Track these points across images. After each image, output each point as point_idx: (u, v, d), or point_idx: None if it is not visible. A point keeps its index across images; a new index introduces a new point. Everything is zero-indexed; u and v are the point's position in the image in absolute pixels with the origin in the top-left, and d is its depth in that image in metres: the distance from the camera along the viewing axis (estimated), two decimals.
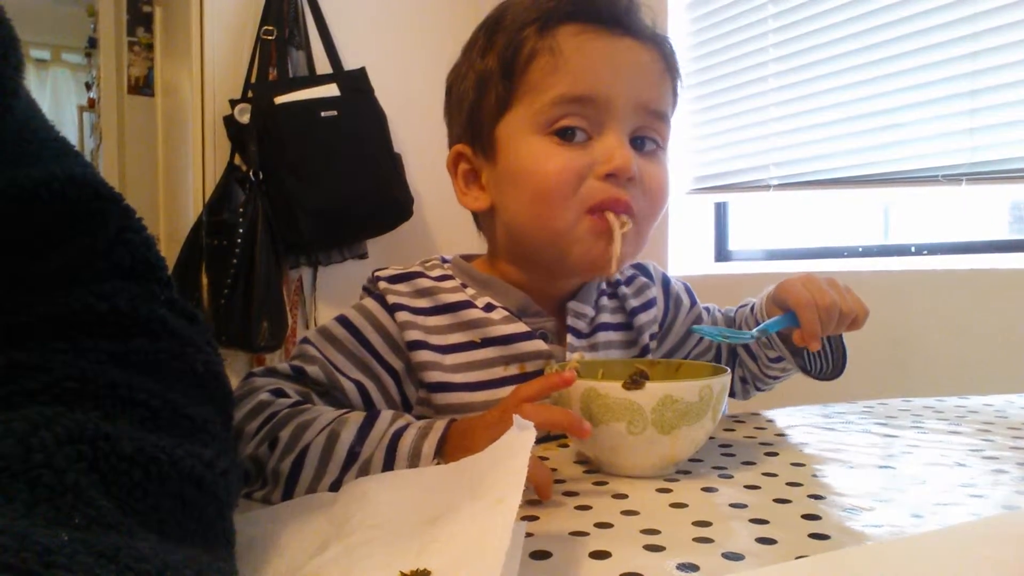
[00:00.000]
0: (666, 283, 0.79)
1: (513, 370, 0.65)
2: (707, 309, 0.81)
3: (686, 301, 0.79)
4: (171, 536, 0.28)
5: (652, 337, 0.75)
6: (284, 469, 0.51)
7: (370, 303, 0.65)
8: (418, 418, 0.62)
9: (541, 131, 0.63)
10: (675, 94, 0.69)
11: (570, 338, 0.68)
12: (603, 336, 0.71)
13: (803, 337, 0.62)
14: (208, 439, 0.34)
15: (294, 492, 0.52)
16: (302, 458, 0.51)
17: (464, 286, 0.69)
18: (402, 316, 0.64)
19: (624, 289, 0.75)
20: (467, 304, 0.66)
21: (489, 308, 0.67)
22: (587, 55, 0.62)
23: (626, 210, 0.62)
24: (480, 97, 0.66)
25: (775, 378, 0.78)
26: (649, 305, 0.75)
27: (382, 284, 0.67)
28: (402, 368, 0.64)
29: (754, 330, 0.63)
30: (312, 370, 0.60)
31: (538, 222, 0.64)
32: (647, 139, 0.65)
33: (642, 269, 0.79)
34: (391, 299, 0.65)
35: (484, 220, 0.73)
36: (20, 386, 0.30)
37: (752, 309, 0.75)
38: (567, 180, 0.61)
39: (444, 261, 0.72)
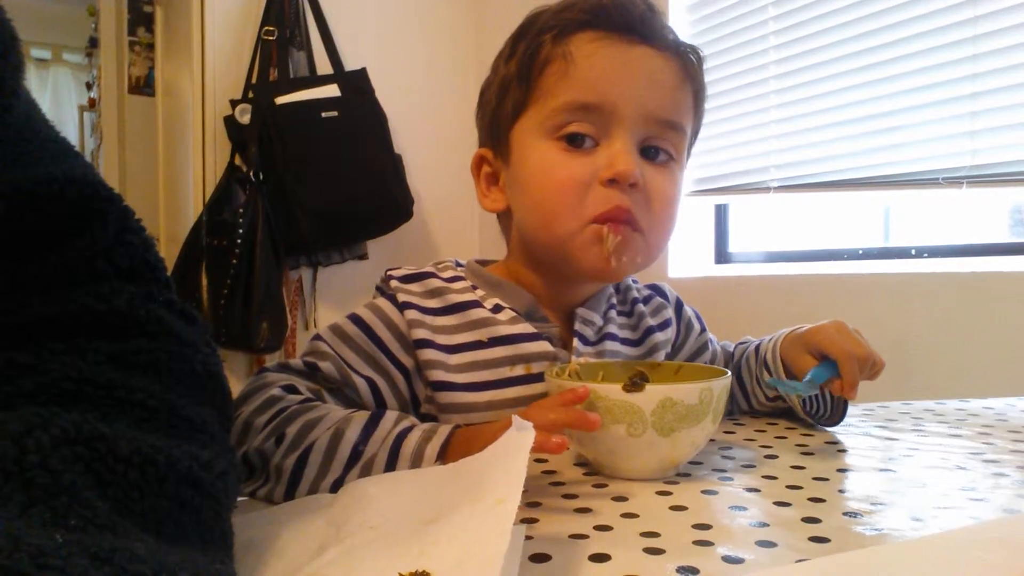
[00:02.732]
0: (679, 307, 0.80)
1: (519, 370, 0.65)
2: (711, 340, 0.82)
3: (696, 327, 0.80)
4: (168, 538, 0.28)
5: (667, 357, 0.75)
6: (288, 465, 0.51)
7: (382, 302, 0.66)
8: (425, 416, 0.62)
9: (550, 136, 0.63)
10: (696, 105, 0.68)
11: (577, 343, 0.68)
12: (610, 345, 0.71)
13: (843, 387, 0.62)
14: (206, 440, 0.34)
15: (296, 489, 0.51)
16: (306, 455, 0.51)
17: (474, 288, 0.69)
18: (411, 314, 0.64)
19: (642, 307, 0.76)
20: (475, 304, 0.67)
21: (497, 309, 0.67)
22: (597, 62, 0.62)
23: (626, 218, 0.62)
24: (500, 102, 0.68)
25: (763, 416, 0.78)
26: (665, 325, 0.76)
27: (394, 283, 0.67)
28: (412, 366, 0.64)
29: (804, 381, 0.62)
30: (325, 366, 0.61)
31: (543, 226, 0.65)
32: (660, 150, 0.65)
33: (658, 291, 0.80)
34: (402, 297, 0.65)
35: (502, 222, 0.74)
36: (17, 386, 0.30)
37: (758, 349, 0.75)
38: (571, 188, 0.62)
39: (458, 265, 0.73)
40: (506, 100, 0.67)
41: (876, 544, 0.37)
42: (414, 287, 0.67)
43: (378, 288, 0.70)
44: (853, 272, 1.55)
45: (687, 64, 0.66)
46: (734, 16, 1.76)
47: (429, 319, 0.65)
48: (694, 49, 0.68)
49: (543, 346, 0.66)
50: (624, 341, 0.73)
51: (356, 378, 0.61)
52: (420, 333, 0.64)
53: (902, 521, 0.41)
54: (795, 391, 0.63)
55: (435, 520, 0.36)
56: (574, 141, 0.63)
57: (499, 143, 0.69)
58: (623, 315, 0.75)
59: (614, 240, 0.62)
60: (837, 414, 0.70)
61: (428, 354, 0.63)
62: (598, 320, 0.71)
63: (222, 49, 1.99)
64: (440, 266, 0.71)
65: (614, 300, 0.75)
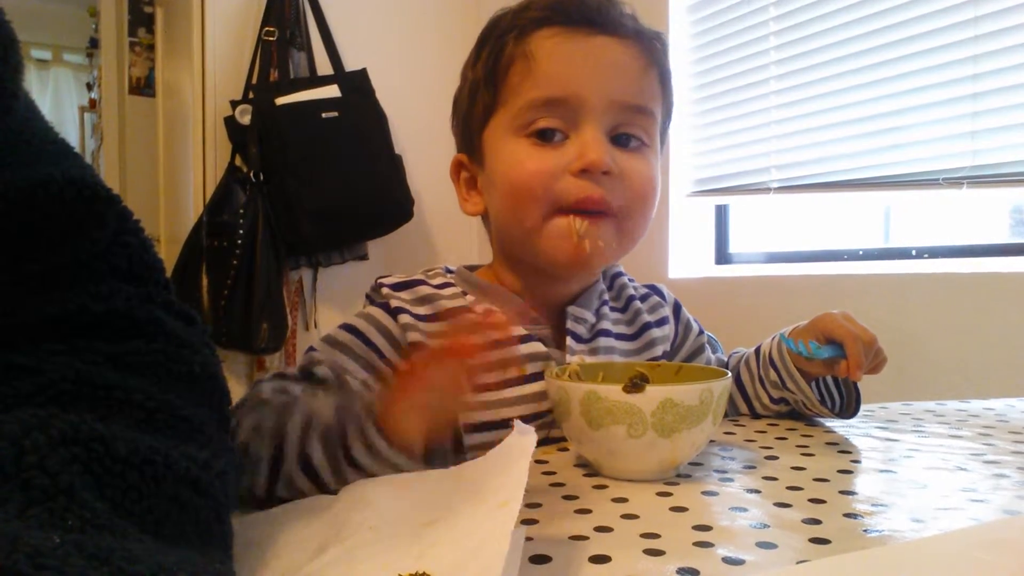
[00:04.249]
0: (677, 307, 0.80)
1: (512, 372, 0.65)
2: (707, 345, 0.82)
3: (695, 327, 0.80)
4: (167, 538, 0.28)
5: (664, 354, 0.75)
6: (264, 455, 0.49)
7: (373, 309, 0.66)
8: None
9: (519, 134, 0.64)
10: (664, 88, 0.68)
11: (570, 342, 0.68)
12: (604, 342, 0.71)
13: (849, 368, 0.64)
14: (204, 441, 0.34)
15: (276, 479, 0.49)
16: (280, 445, 0.49)
17: (464, 293, 0.69)
18: (404, 319, 0.65)
19: (639, 304, 0.76)
20: (465, 310, 0.67)
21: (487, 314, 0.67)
22: (558, 58, 0.63)
23: (599, 206, 0.63)
24: (471, 105, 0.69)
25: (764, 416, 0.78)
26: (663, 322, 0.76)
27: (385, 290, 0.68)
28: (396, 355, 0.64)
29: (811, 350, 0.65)
30: (320, 370, 0.60)
31: (513, 221, 0.66)
32: (632, 136, 0.65)
33: (656, 290, 0.80)
34: (394, 303, 0.66)
35: (486, 225, 0.75)
36: (15, 388, 0.30)
37: (758, 350, 0.76)
38: (541, 180, 0.63)
39: (448, 271, 0.73)
40: (476, 104, 0.68)
41: (877, 545, 0.37)
42: (404, 295, 0.67)
43: (368, 297, 0.70)
44: (853, 273, 1.55)
45: (650, 48, 0.66)
46: (734, 16, 1.76)
47: (422, 325, 0.65)
48: (657, 35, 0.68)
49: (535, 347, 0.66)
50: (619, 336, 0.73)
51: (352, 381, 0.61)
52: (414, 336, 0.64)
53: (903, 522, 0.41)
54: (806, 354, 0.65)
55: (435, 522, 0.36)
56: (544, 136, 0.63)
57: (473, 147, 0.70)
58: (617, 311, 0.75)
59: (582, 224, 0.62)
60: (851, 404, 0.71)
61: None
62: (590, 317, 0.71)
63: (222, 50, 1.98)
64: (430, 273, 0.72)
65: (607, 297, 0.75)
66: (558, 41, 0.64)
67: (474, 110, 0.68)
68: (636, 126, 0.65)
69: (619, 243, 0.66)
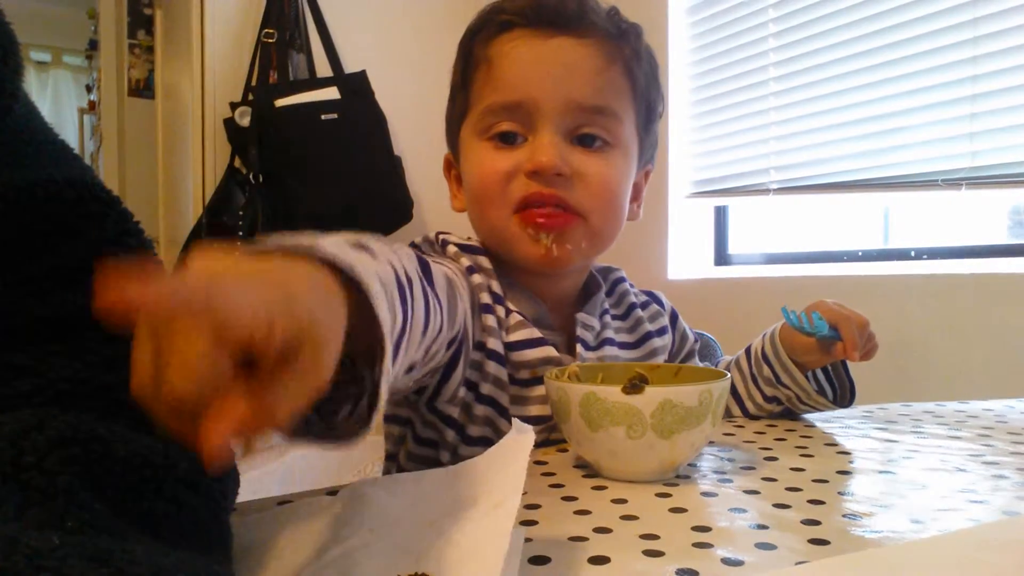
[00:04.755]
0: (674, 316, 0.80)
1: (524, 374, 0.65)
2: (696, 351, 0.82)
3: (690, 337, 0.81)
4: (166, 539, 0.28)
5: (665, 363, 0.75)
6: None
7: (447, 261, 0.65)
8: (468, 384, 0.61)
9: (482, 137, 0.66)
10: (632, 85, 0.67)
11: (579, 349, 0.68)
12: (609, 350, 0.71)
13: (845, 349, 0.65)
14: None
15: None
16: None
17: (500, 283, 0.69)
18: (476, 279, 0.65)
19: (640, 312, 0.76)
20: (500, 299, 0.66)
21: (506, 313, 0.66)
22: (513, 62, 0.64)
23: (552, 202, 0.63)
24: (452, 108, 0.71)
25: (763, 417, 0.78)
26: (663, 331, 0.77)
27: (452, 248, 0.67)
28: (472, 328, 0.62)
29: (814, 321, 0.66)
30: None
31: (479, 219, 0.68)
32: (596, 137, 0.65)
33: (654, 298, 0.80)
34: (465, 262, 0.66)
35: None
36: (14, 388, 0.30)
37: (749, 350, 0.76)
38: (496, 180, 0.64)
39: None
40: (455, 106, 0.70)
41: (876, 546, 0.37)
42: (466, 260, 0.66)
43: (419, 249, 0.67)
44: (853, 274, 1.55)
45: (613, 46, 0.66)
46: (734, 18, 1.76)
47: (484, 294, 0.65)
48: (627, 30, 0.67)
49: (548, 352, 0.65)
50: (622, 345, 0.73)
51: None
52: (485, 298, 0.64)
53: (902, 523, 0.41)
54: (808, 328, 0.66)
55: (435, 522, 0.36)
56: (506, 139, 0.65)
57: (454, 147, 0.72)
58: (618, 319, 0.75)
59: (548, 236, 0.63)
60: (846, 395, 0.71)
61: (489, 320, 0.63)
62: (596, 324, 0.71)
63: (222, 52, 1.99)
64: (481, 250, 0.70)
65: (607, 305, 0.75)
66: (516, 45, 0.64)
67: (454, 111, 0.71)
68: (597, 126, 0.65)
69: (589, 243, 0.66)
